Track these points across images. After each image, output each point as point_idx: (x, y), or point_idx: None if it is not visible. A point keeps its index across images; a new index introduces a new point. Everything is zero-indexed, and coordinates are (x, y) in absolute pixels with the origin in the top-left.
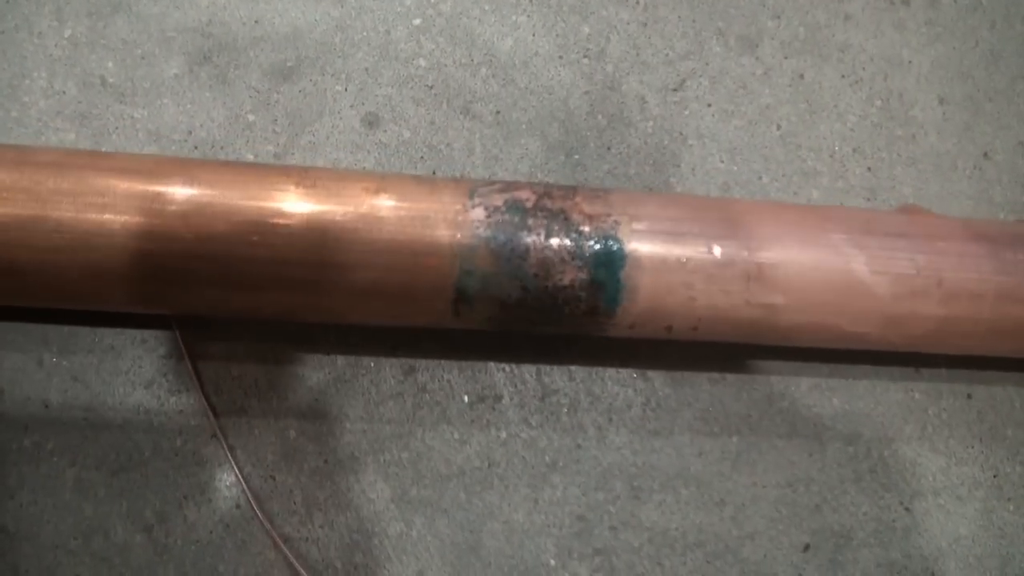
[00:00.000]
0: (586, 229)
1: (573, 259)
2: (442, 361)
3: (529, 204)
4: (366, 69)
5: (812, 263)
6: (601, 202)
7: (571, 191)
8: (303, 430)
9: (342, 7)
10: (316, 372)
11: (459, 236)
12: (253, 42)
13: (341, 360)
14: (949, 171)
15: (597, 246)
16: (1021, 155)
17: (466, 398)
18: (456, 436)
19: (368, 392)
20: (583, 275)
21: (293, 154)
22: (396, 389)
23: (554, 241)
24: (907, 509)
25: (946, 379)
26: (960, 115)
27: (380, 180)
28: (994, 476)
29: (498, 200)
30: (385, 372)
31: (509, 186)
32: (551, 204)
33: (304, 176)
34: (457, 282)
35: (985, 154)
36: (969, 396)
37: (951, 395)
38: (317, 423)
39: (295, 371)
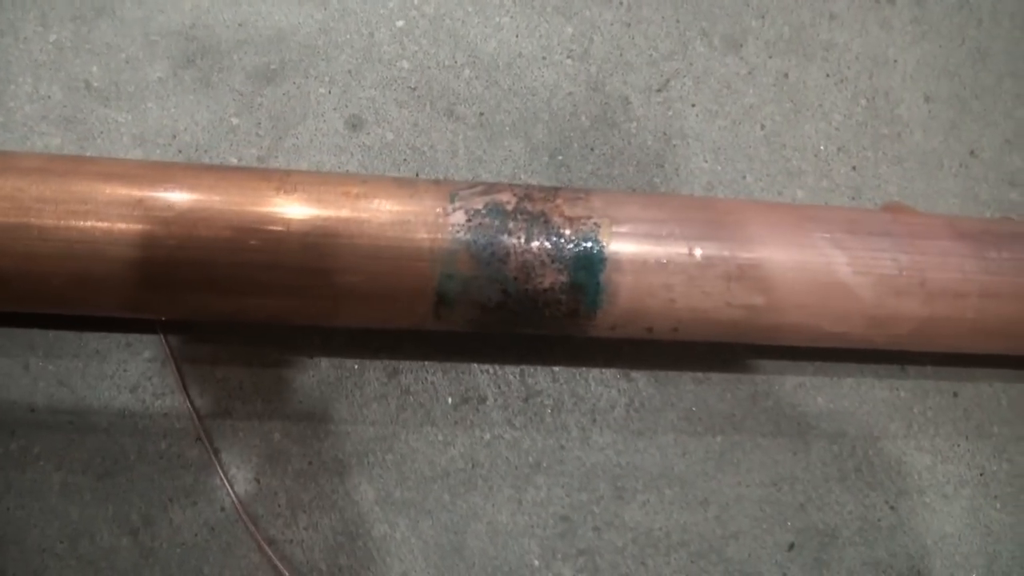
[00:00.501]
0: (566, 232)
1: (553, 262)
2: (426, 363)
3: (509, 207)
4: (349, 71)
5: (793, 264)
6: (582, 204)
7: (552, 193)
8: (287, 432)
9: (325, 9)
10: (300, 375)
11: (439, 240)
12: (237, 45)
13: (325, 362)
14: (935, 169)
15: (577, 249)
16: (1007, 152)
17: (450, 400)
18: (440, 438)
19: (352, 394)
20: (563, 278)
21: (277, 157)
22: (380, 391)
23: (534, 244)
24: (892, 508)
25: (932, 377)
26: (946, 113)
27: (361, 184)
28: (980, 474)
29: (478, 203)
30: (369, 374)
31: (490, 188)
32: (531, 207)
33: (285, 180)
34: (438, 286)
35: (971, 152)
36: (955, 394)
37: (937, 393)
38: (301, 425)
39: (279, 374)
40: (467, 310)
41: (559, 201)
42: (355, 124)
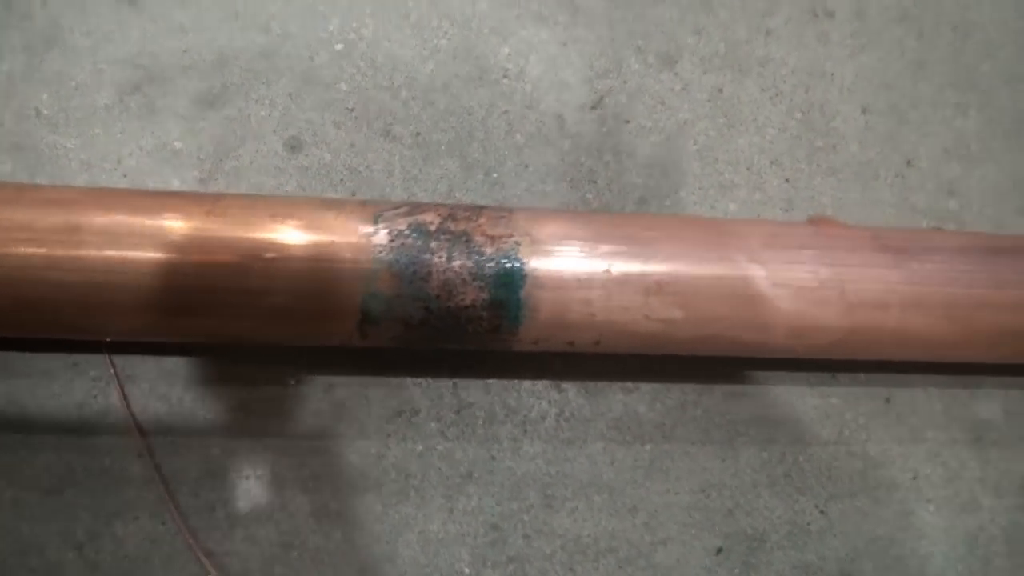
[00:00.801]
0: (487, 250)
1: (474, 280)
2: (360, 377)
3: (433, 227)
4: (289, 94)
5: (710, 278)
6: (504, 222)
7: (476, 212)
8: (225, 448)
9: (267, 34)
10: (238, 391)
11: (361, 260)
12: (181, 71)
13: (262, 379)
14: (871, 180)
15: (497, 267)
16: (946, 161)
17: (383, 412)
18: (373, 450)
19: (288, 409)
20: (484, 295)
21: (217, 180)
22: (315, 406)
23: (456, 263)
24: (822, 512)
25: (864, 384)
26: (883, 124)
27: (289, 206)
28: (913, 478)
29: (402, 224)
30: (305, 389)
31: (414, 209)
32: (454, 226)
33: (216, 203)
34: (362, 304)
35: (908, 162)
36: (888, 400)
37: (869, 399)
38: (239, 440)
39: (218, 391)
40: (391, 327)
41: (482, 220)
42: (294, 146)
